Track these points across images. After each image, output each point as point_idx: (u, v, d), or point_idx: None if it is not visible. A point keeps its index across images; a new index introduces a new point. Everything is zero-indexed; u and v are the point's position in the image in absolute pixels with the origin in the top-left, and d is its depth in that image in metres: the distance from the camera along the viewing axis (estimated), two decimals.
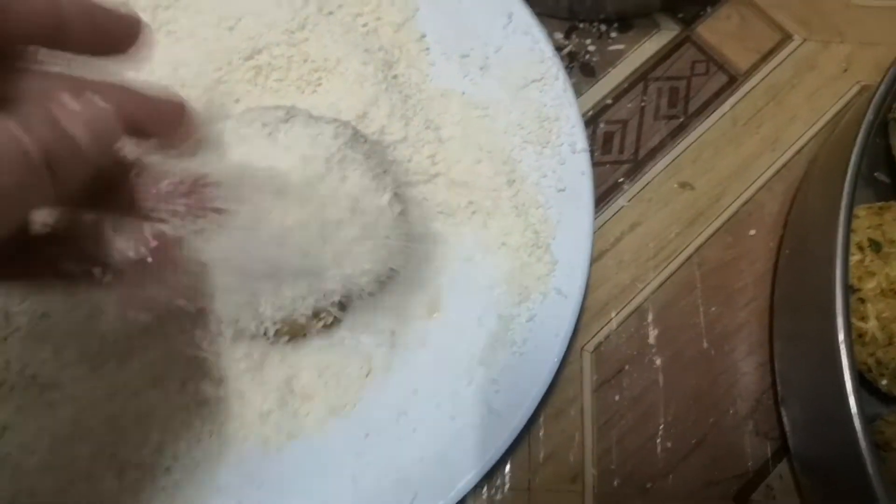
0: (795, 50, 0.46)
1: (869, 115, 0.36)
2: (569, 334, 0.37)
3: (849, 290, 0.33)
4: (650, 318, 0.41)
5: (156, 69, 0.38)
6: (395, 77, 0.41)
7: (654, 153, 0.44)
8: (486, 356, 0.37)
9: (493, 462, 0.35)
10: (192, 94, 0.38)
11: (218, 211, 0.26)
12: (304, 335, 0.36)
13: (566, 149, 0.40)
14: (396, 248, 0.33)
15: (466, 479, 0.35)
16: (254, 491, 0.35)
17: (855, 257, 0.38)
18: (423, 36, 0.43)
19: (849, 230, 0.34)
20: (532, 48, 0.42)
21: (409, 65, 0.42)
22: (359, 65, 0.40)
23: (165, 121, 0.26)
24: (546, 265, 0.38)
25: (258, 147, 0.32)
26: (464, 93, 0.42)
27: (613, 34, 0.46)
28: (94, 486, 0.33)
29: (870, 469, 0.30)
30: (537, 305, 0.38)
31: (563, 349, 0.37)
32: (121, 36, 0.25)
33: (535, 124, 0.41)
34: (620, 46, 0.46)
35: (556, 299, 0.38)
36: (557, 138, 0.40)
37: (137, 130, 0.24)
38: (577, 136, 0.40)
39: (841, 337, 0.32)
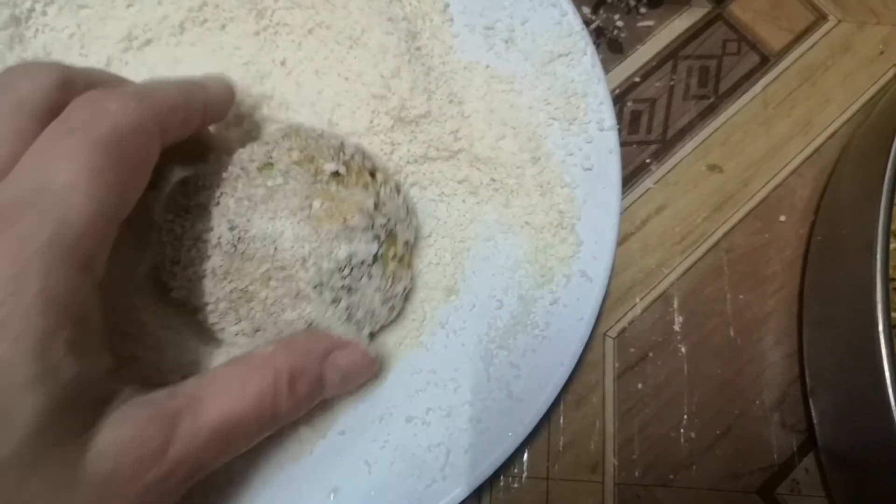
0: (830, 31, 0.45)
1: None
2: (593, 319, 0.36)
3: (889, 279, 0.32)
4: (675, 304, 0.39)
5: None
6: (417, 49, 0.40)
7: (682, 134, 0.42)
8: (506, 339, 0.36)
9: (512, 449, 0.34)
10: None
11: None
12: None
13: (593, 126, 0.39)
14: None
15: (483, 466, 0.34)
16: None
17: (892, 245, 0.37)
18: (447, 6, 0.41)
19: (890, 216, 0.33)
20: (559, 21, 0.40)
21: (433, 36, 0.40)
22: (382, 35, 0.38)
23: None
24: (571, 246, 0.37)
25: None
26: (488, 66, 0.40)
27: (643, 10, 0.45)
28: None
29: None
30: (561, 288, 0.36)
31: (587, 334, 0.35)
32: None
33: (561, 100, 0.39)
34: (650, 23, 0.44)
35: (581, 282, 0.36)
36: (585, 115, 0.39)
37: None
38: (606, 114, 0.39)
39: (881, 326, 0.30)
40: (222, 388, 0.25)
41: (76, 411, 0.20)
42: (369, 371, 0.33)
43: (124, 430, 0.21)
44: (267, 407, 0.26)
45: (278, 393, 0.27)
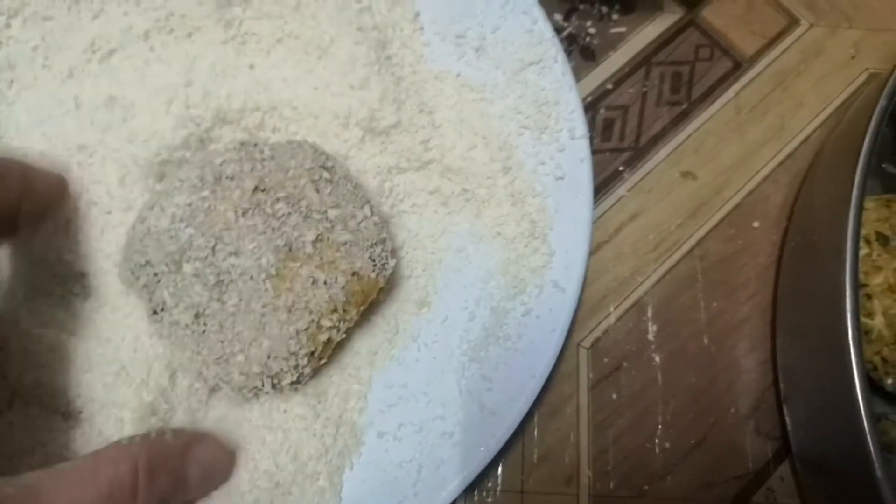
0: (802, 35, 0.45)
1: (882, 102, 0.34)
2: (565, 329, 0.35)
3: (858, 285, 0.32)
4: (650, 312, 0.39)
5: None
6: (388, 58, 0.39)
7: (655, 141, 0.42)
8: (478, 352, 0.36)
9: (484, 463, 0.34)
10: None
11: None
12: None
13: (565, 135, 0.38)
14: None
15: (456, 482, 0.33)
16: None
17: (862, 251, 0.37)
18: (418, 15, 0.41)
19: (859, 222, 0.32)
20: (531, 29, 0.40)
21: (403, 45, 0.40)
22: (351, 44, 0.38)
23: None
24: (542, 256, 0.37)
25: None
26: (459, 75, 0.40)
27: (615, 16, 0.44)
28: None
29: (878, 471, 0.29)
30: (533, 299, 0.36)
31: (560, 345, 0.35)
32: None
33: (532, 109, 0.39)
34: (622, 29, 0.44)
35: (553, 293, 0.36)
36: (556, 124, 0.39)
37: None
38: (577, 122, 0.38)
39: (850, 334, 0.30)
40: (68, 478, 0.23)
41: None
42: (229, 464, 0.32)
43: None
44: (123, 495, 0.24)
45: (138, 482, 0.25)
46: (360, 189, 0.34)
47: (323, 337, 0.31)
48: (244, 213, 0.31)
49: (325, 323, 0.30)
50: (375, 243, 0.32)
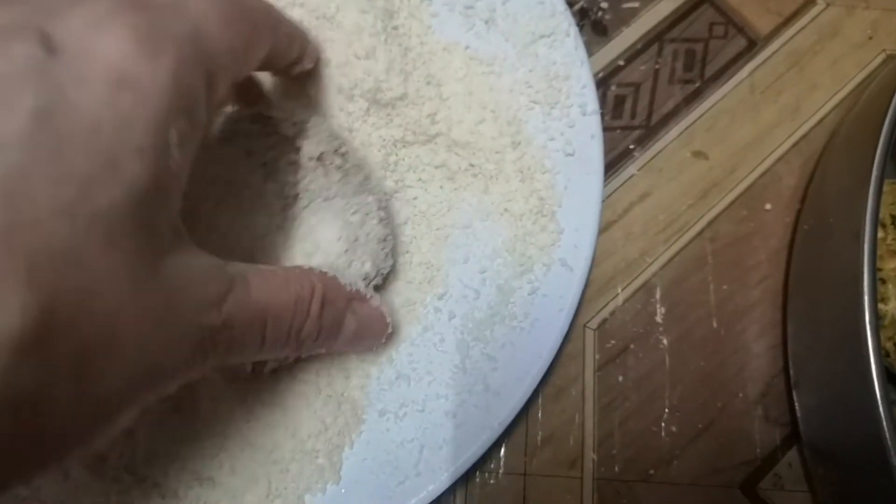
0: (819, 15, 0.43)
1: None
2: (573, 309, 0.34)
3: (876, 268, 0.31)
4: (658, 294, 0.38)
5: None
6: (395, 28, 0.38)
7: (667, 119, 0.41)
8: (483, 331, 0.35)
9: (488, 445, 0.33)
10: None
11: None
12: None
13: (576, 110, 0.37)
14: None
15: (459, 462, 0.32)
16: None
17: (878, 235, 0.36)
18: None
19: (878, 205, 0.32)
20: (542, 1, 0.39)
21: (410, 15, 0.39)
22: (357, 13, 0.36)
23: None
24: (551, 234, 0.36)
25: None
26: (467, 47, 0.39)
27: None
28: None
29: (893, 458, 0.28)
30: (540, 277, 0.35)
31: (567, 325, 0.34)
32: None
33: (543, 83, 0.38)
34: (635, 4, 0.43)
35: (561, 271, 0.35)
36: (567, 99, 0.37)
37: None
38: (588, 98, 0.37)
39: (867, 318, 0.30)
40: (268, 279, 0.25)
41: (161, 218, 0.20)
42: (382, 330, 0.32)
43: (192, 266, 0.22)
44: (300, 314, 0.26)
45: (311, 306, 0.27)
46: (369, 182, 0.33)
47: None
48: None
49: None
50: (377, 241, 0.31)
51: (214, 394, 0.32)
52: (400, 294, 0.35)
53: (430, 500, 0.32)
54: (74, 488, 0.31)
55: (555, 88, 0.38)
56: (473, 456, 0.33)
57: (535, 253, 0.35)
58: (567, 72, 0.38)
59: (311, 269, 0.28)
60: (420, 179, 0.37)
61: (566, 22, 0.38)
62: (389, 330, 0.32)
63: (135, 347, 0.19)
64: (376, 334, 0.32)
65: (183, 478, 0.32)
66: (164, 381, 0.21)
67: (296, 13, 0.38)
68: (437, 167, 0.37)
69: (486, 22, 0.39)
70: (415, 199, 0.37)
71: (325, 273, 0.28)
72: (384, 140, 0.37)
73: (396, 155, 0.37)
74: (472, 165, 0.37)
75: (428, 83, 0.37)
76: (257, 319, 0.24)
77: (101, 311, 0.17)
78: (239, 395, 0.33)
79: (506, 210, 0.36)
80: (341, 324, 0.29)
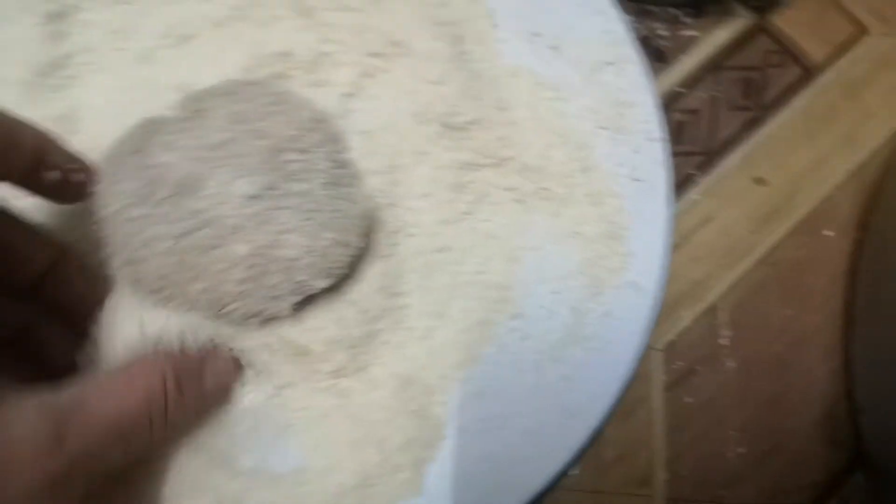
0: (873, 45, 0.44)
1: None
2: (647, 330, 0.35)
3: None
4: (722, 318, 0.39)
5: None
6: (463, 53, 0.39)
7: (726, 146, 0.42)
8: (557, 351, 0.35)
9: (566, 463, 0.33)
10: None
11: None
12: None
13: (642, 137, 0.38)
14: None
15: (537, 480, 0.33)
16: None
17: None
18: (493, 11, 0.40)
19: None
20: (607, 29, 0.40)
21: (478, 41, 0.40)
22: (429, 39, 0.37)
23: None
24: (621, 257, 0.36)
25: None
26: (534, 73, 0.40)
27: (686, 20, 0.44)
28: None
29: None
30: (612, 300, 0.36)
31: (642, 347, 0.35)
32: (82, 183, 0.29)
33: (610, 109, 0.39)
34: (693, 33, 0.44)
35: (632, 294, 0.36)
36: (633, 125, 0.38)
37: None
38: (654, 124, 0.38)
39: None
40: (109, 387, 0.24)
41: None
42: (236, 376, 0.32)
43: (13, 424, 0.20)
44: (157, 408, 0.25)
45: (168, 393, 0.26)
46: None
47: None
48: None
49: None
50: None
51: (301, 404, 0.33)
52: (475, 314, 0.36)
53: None
54: None
55: (621, 115, 0.39)
56: (552, 473, 0.33)
57: (606, 276, 0.36)
58: (633, 99, 0.39)
59: (154, 354, 0.28)
60: (492, 202, 0.38)
61: (631, 49, 0.39)
62: (240, 371, 0.32)
63: None
64: (234, 380, 0.32)
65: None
66: None
67: (368, 37, 0.39)
68: (507, 190, 0.38)
69: (553, 48, 0.40)
70: (486, 220, 0.38)
71: (169, 350, 0.28)
72: (456, 163, 0.38)
73: (468, 178, 0.38)
74: (542, 189, 0.38)
75: (498, 108, 0.38)
76: (110, 437, 0.23)
77: None
78: (323, 407, 0.33)
79: (576, 233, 0.37)
80: (204, 388, 0.29)
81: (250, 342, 0.33)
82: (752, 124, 0.42)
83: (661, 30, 0.44)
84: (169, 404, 0.26)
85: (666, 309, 0.39)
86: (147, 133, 0.30)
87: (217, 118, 0.30)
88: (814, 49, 0.44)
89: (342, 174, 0.31)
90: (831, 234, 0.40)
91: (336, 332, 0.35)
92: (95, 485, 0.23)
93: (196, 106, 0.30)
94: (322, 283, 0.32)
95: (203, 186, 0.28)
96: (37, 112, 0.35)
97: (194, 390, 0.28)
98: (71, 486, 0.22)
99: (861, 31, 0.45)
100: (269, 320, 0.32)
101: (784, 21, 0.45)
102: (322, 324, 0.35)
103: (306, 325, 0.35)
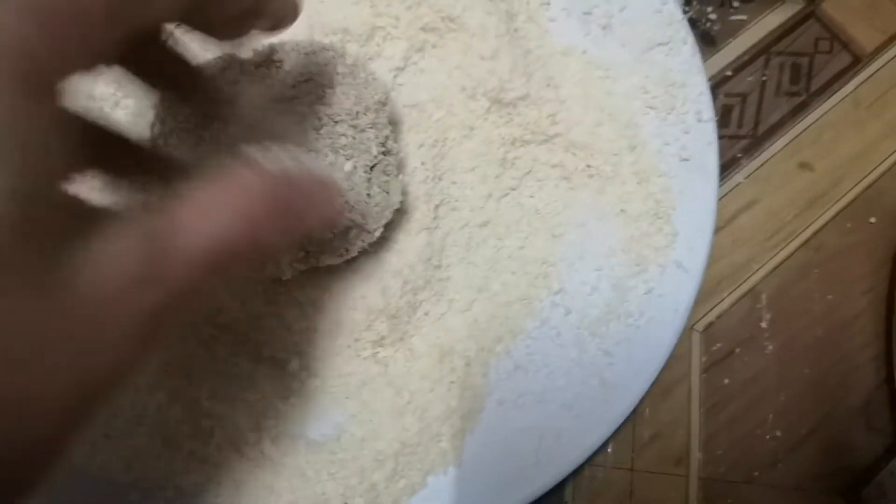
0: None
1: None
2: (689, 310, 0.35)
3: None
4: (763, 301, 0.39)
5: None
6: (515, 30, 0.39)
7: (773, 130, 0.42)
8: (599, 327, 0.36)
9: (605, 437, 0.34)
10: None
11: None
12: None
13: (692, 117, 0.38)
14: None
15: (576, 452, 0.34)
16: None
17: None
18: None
19: None
20: (659, 10, 0.40)
21: (529, 19, 0.40)
22: (483, 14, 0.38)
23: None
24: (666, 236, 0.36)
25: None
26: (585, 52, 0.40)
27: (736, 4, 0.44)
28: None
29: None
30: (655, 278, 0.36)
31: (683, 326, 0.35)
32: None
33: (659, 89, 0.39)
34: (742, 17, 0.44)
35: (676, 273, 0.36)
36: (683, 105, 0.38)
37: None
38: (704, 105, 0.38)
39: None
40: (203, 203, 0.21)
41: (37, 226, 0.17)
42: (336, 195, 0.27)
43: (102, 249, 0.18)
44: (262, 214, 0.22)
45: (264, 213, 0.22)
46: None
47: None
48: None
49: None
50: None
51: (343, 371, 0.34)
52: (517, 288, 0.36)
53: (548, 488, 0.33)
54: None
55: (671, 95, 0.39)
56: (591, 447, 0.33)
57: (650, 253, 0.36)
58: (683, 79, 0.39)
59: (243, 169, 0.23)
60: (537, 178, 0.38)
61: (683, 30, 0.39)
62: (343, 195, 0.29)
63: (59, 377, 0.17)
64: (332, 201, 0.26)
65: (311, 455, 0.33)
66: (125, 378, 0.19)
67: (421, 12, 0.39)
68: (553, 166, 0.38)
69: (604, 28, 0.40)
70: (531, 196, 0.38)
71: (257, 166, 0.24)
72: (503, 138, 0.38)
73: (514, 153, 0.38)
74: (588, 166, 0.38)
75: (548, 85, 0.39)
76: (210, 261, 0.20)
77: None
78: (364, 375, 0.34)
79: (622, 211, 0.37)
80: (291, 206, 0.24)
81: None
82: (799, 110, 0.42)
83: (711, 13, 0.44)
84: (263, 226, 0.22)
85: (707, 290, 0.39)
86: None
87: (288, 75, 0.30)
88: (864, 36, 0.44)
89: (387, 162, 0.32)
90: (876, 220, 0.40)
91: (379, 301, 0.36)
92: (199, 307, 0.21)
93: (271, 55, 0.30)
94: (329, 261, 0.32)
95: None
96: None
97: (299, 207, 0.24)
98: (167, 322, 0.19)
99: None
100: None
101: (834, 8, 0.44)
102: (364, 292, 0.36)
103: (352, 293, 0.36)
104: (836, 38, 0.44)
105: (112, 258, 0.18)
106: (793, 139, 0.42)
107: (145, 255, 0.19)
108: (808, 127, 0.42)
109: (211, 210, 0.21)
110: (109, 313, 0.18)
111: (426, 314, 0.37)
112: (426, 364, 0.35)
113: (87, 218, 0.19)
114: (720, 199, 0.40)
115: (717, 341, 0.38)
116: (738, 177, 0.41)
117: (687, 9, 0.44)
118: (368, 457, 0.33)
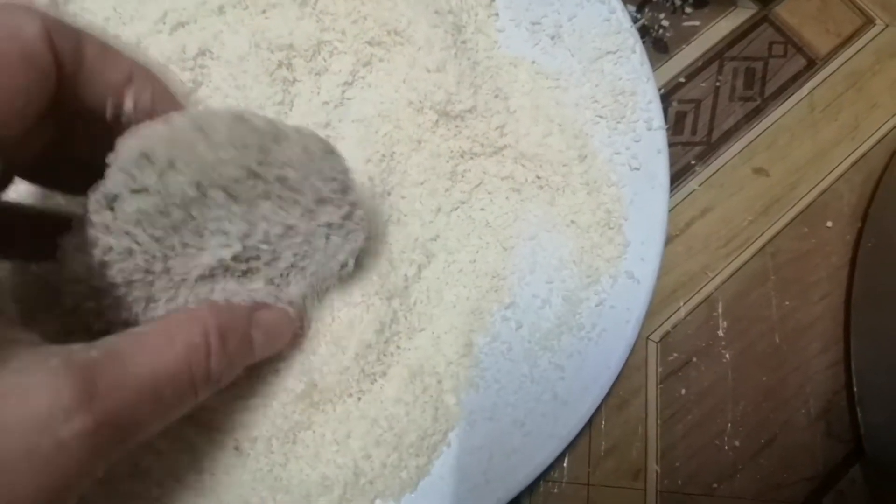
0: (877, 35, 0.44)
1: None
2: (640, 321, 0.35)
3: None
4: (720, 309, 0.38)
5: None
6: (463, 42, 0.39)
7: (727, 136, 0.41)
8: (550, 340, 0.35)
9: (556, 454, 0.33)
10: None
11: None
12: None
13: (641, 125, 0.38)
14: None
15: (527, 470, 0.33)
16: None
17: None
18: (493, 0, 0.40)
19: None
20: (608, 18, 0.39)
21: (478, 30, 0.40)
22: (428, 27, 0.37)
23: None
24: (617, 247, 0.36)
25: None
26: (534, 62, 0.39)
27: (688, 10, 0.44)
28: None
29: None
30: (607, 289, 0.36)
31: (635, 337, 0.35)
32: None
33: (608, 98, 0.38)
34: (695, 23, 0.44)
35: (628, 284, 0.36)
36: (632, 114, 0.38)
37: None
38: (654, 113, 0.38)
39: None
40: (147, 343, 0.22)
41: None
42: (290, 328, 0.30)
43: (27, 378, 0.18)
44: (199, 364, 0.24)
45: (211, 347, 0.24)
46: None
47: None
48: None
49: None
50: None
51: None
52: (468, 302, 0.36)
53: None
54: None
55: (620, 104, 0.38)
56: (542, 464, 0.33)
57: (601, 265, 0.36)
58: (633, 87, 0.38)
59: (197, 308, 0.26)
60: (487, 191, 0.38)
61: (632, 38, 0.39)
62: (298, 323, 0.31)
63: None
64: (286, 333, 0.30)
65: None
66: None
67: (367, 26, 0.39)
68: (503, 178, 0.38)
69: (552, 38, 0.40)
70: (482, 209, 0.38)
71: (215, 302, 0.27)
72: (452, 151, 0.38)
73: (464, 166, 0.38)
74: (538, 178, 0.37)
75: (496, 96, 0.38)
76: (145, 394, 0.21)
77: None
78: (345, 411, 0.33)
79: (572, 222, 0.37)
80: (250, 342, 0.27)
81: None
82: (754, 115, 0.42)
83: (664, 20, 0.43)
84: (212, 360, 0.24)
85: (663, 299, 0.38)
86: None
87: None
88: (818, 40, 0.43)
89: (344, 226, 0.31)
90: (833, 224, 0.40)
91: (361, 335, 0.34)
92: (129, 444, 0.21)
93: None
94: None
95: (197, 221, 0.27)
96: None
97: (239, 345, 0.26)
98: (99, 449, 0.19)
99: (866, 21, 0.44)
100: None
101: (788, 12, 0.44)
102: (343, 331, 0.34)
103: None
104: (790, 42, 0.44)
105: (39, 388, 0.18)
106: (747, 144, 0.41)
107: (75, 385, 0.19)
108: (763, 132, 0.42)
109: (147, 344, 0.22)
110: (37, 446, 0.18)
111: (396, 334, 0.36)
112: (399, 386, 0.34)
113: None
114: (674, 208, 0.40)
115: (673, 351, 0.38)
116: (693, 184, 0.41)
117: (639, 16, 0.44)
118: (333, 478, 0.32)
